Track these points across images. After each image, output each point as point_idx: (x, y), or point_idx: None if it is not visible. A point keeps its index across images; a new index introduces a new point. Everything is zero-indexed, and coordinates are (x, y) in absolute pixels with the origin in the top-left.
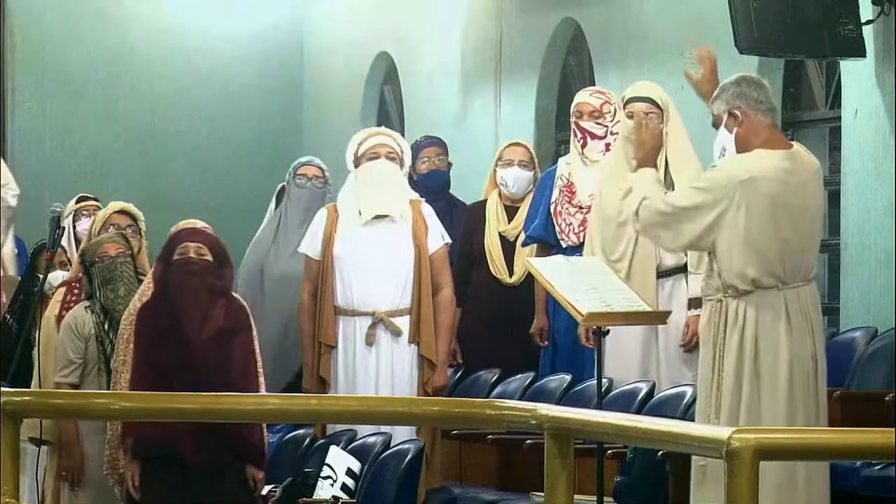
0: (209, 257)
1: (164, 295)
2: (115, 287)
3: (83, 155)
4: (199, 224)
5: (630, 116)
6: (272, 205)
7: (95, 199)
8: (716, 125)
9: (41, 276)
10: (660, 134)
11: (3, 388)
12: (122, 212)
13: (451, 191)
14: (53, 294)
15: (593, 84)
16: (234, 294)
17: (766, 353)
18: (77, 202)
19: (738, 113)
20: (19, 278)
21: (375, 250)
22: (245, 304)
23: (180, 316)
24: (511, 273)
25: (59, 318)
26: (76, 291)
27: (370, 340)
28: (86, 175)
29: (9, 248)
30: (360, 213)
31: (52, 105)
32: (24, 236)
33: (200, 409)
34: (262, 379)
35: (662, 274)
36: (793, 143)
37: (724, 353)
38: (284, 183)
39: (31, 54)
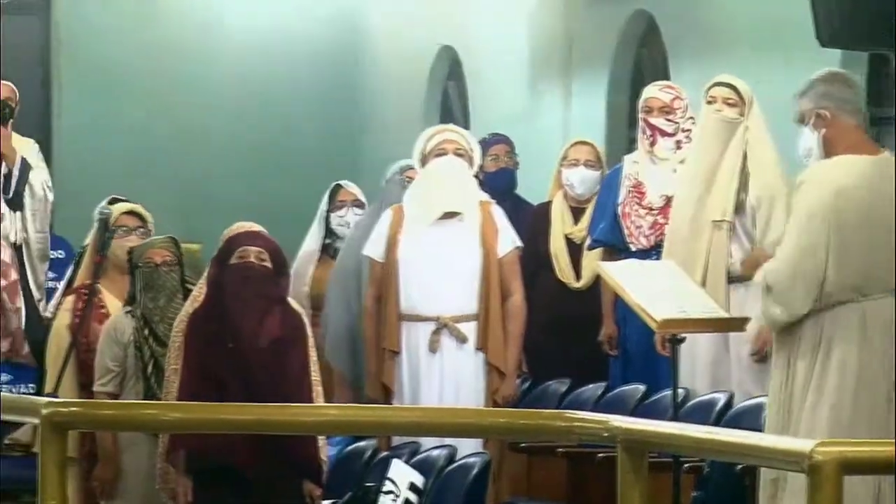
0: (269, 263)
1: (217, 300)
2: (155, 296)
3: (129, 154)
4: (257, 227)
5: (710, 102)
6: (323, 206)
7: (127, 201)
8: (800, 122)
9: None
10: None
11: (49, 399)
12: (130, 213)
13: (517, 192)
14: (62, 302)
15: (668, 79)
16: (291, 302)
17: (840, 366)
18: (109, 203)
19: (826, 114)
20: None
21: (441, 253)
22: (302, 312)
23: (235, 323)
24: (578, 277)
25: (71, 326)
26: (85, 297)
27: (434, 347)
28: (132, 175)
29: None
30: (426, 212)
31: (98, 103)
32: (69, 237)
33: (255, 420)
34: (319, 388)
35: (734, 280)
36: (882, 148)
37: (797, 365)
38: (337, 182)
39: (77, 51)
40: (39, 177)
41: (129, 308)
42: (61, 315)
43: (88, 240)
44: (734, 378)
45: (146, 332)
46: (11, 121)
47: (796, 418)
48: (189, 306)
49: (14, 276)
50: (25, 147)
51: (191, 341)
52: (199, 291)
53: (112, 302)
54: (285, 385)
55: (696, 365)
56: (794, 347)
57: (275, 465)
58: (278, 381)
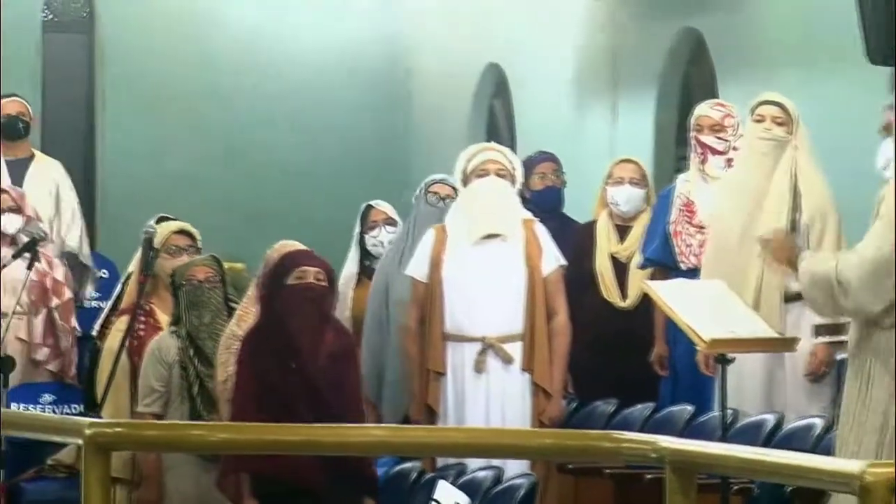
0: (325, 283)
1: (274, 319)
2: (200, 314)
3: (174, 171)
4: (301, 246)
5: (758, 121)
6: (357, 227)
7: (174, 219)
8: (885, 132)
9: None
10: (789, 246)
11: (92, 420)
12: (181, 232)
13: (563, 210)
14: (115, 322)
15: (716, 97)
16: (337, 319)
17: None
18: (157, 222)
19: None
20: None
21: (485, 272)
22: (348, 330)
23: (296, 342)
24: (624, 296)
25: (131, 346)
26: (141, 318)
27: (480, 368)
28: (177, 192)
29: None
30: (469, 233)
31: (142, 122)
32: (114, 257)
33: (301, 441)
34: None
35: (789, 299)
36: None
37: (871, 383)
38: (368, 203)
39: (121, 69)
40: (69, 201)
41: (173, 328)
42: (114, 335)
43: (134, 260)
44: (785, 398)
45: (191, 351)
46: (28, 137)
47: (867, 439)
48: (235, 326)
49: (68, 294)
50: (52, 168)
51: (249, 362)
52: (244, 311)
53: (167, 321)
54: (343, 401)
55: (746, 385)
56: (868, 364)
57: (338, 482)
58: (337, 397)
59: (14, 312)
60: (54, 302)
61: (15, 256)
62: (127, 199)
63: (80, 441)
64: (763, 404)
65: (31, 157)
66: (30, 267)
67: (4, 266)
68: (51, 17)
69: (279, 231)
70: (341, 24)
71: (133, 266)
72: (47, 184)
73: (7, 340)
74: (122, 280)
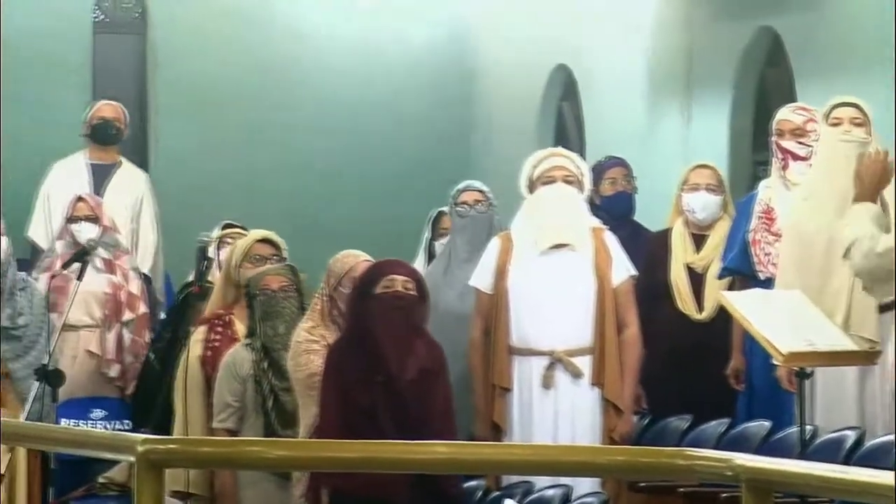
0: (415, 292)
1: (361, 331)
2: (274, 324)
3: (230, 178)
4: (364, 255)
5: (835, 124)
6: (426, 233)
7: (242, 228)
8: None
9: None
10: (883, 165)
11: (145, 436)
12: (264, 240)
13: (634, 217)
14: (194, 332)
15: (794, 100)
16: (429, 332)
17: None
18: (222, 229)
19: None
20: (163, 315)
21: (553, 283)
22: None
23: (384, 355)
24: (700, 308)
25: (203, 358)
26: (219, 329)
27: (548, 383)
28: (233, 200)
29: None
30: (535, 243)
31: (197, 126)
32: (169, 267)
33: (364, 458)
34: None
35: (883, 308)
36: None
37: None
38: (440, 209)
39: (174, 72)
40: (151, 215)
41: (248, 340)
42: (193, 346)
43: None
44: (878, 414)
45: (265, 364)
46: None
47: None
48: (306, 333)
49: (143, 308)
50: (138, 178)
51: (333, 374)
52: (310, 322)
53: (244, 333)
54: (433, 417)
55: (834, 400)
56: None
57: (423, 501)
58: (427, 413)
59: (85, 325)
60: (127, 316)
61: (65, 266)
62: (179, 206)
63: (132, 458)
64: (850, 420)
65: (118, 164)
66: (80, 277)
67: (53, 276)
68: (102, 17)
69: (338, 239)
70: (401, 24)
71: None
72: (131, 193)
73: (77, 352)
74: (177, 291)
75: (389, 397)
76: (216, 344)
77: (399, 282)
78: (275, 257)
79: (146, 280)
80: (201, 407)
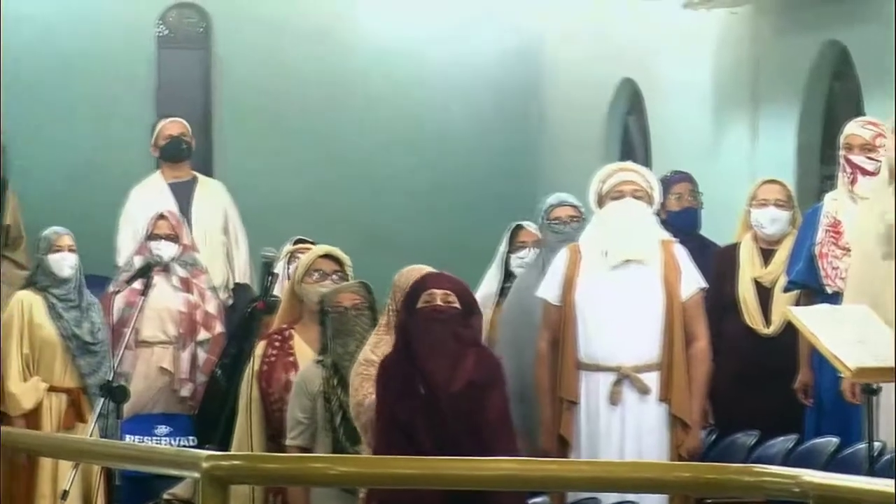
0: (457, 305)
1: (407, 346)
2: (345, 342)
3: (294, 195)
4: (427, 269)
5: None
6: (503, 247)
7: (312, 243)
8: None
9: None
10: None
11: (210, 452)
12: (327, 256)
13: (701, 232)
14: (255, 348)
15: (861, 113)
16: (485, 345)
17: None
18: (294, 244)
19: None
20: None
21: (621, 298)
22: (497, 356)
23: (426, 369)
24: (768, 323)
25: (259, 373)
26: (276, 344)
27: (615, 399)
28: (300, 216)
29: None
30: (605, 256)
31: (262, 141)
32: None
33: (428, 474)
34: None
35: None
36: None
37: None
38: (517, 223)
39: (239, 86)
40: (237, 226)
41: (320, 358)
42: (254, 362)
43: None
44: None
45: (335, 381)
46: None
47: None
48: (370, 352)
49: (219, 328)
50: (218, 191)
51: (382, 390)
52: (379, 336)
53: (303, 350)
54: (483, 432)
55: (894, 415)
56: None
57: None
58: (475, 428)
59: (159, 342)
60: (202, 335)
61: (129, 282)
62: (247, 223)
63: (196, 474)
64: None
65: (194, 179)
66: (144, 293)
67: (117, 292)
68: (165, 32)
69: (405, 254)
70: (469, 40)
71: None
72: (216, 206)
73: (150, 368)
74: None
75: (429, 412)
76: (272, 359)
77: (438, 295)
78: (337, 273)
79: (242, 290)
80: (256, 423)
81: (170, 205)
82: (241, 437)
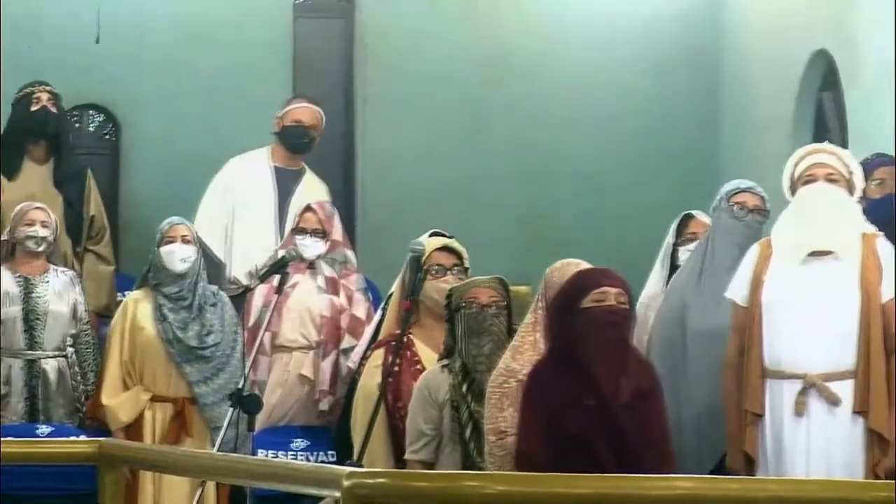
0: (627, 306)
1: (568, 349)
2: (479, 342)
3: (445, 179)
4: (583, 264)
5: None
6: (669, 238)
7: (449, 236)
8: None
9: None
10: None
11: (352, 469)
12: (444, 249)
13: None
14: (370, 356)
15: None
16: (636, 347)
17: None
18: (429, 237)
19: None
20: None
21: (811, 297)
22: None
23: (595, 376)
24: None
25: (382, 385)
26: (395, 351)
27: (800, 410)
28: (447, 203)
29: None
30: (794, 250)
31: (411, 123)
32: (375, 276)
33: (592, 493)
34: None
35: None
36: None
37: None
38: (686, 212)
39: (387, 60)
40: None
41: (445, 362)
42: (369, 372)
43: (397, 280)
44: None
45: (464, 388)
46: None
47: None
48: (511, 359)
49: (368, 333)
50: (320, 191)
51: (536, 400)
52: (521, 340)
53: (427, 355)
54: (650, 446)
55: None
56: None
57: None
58: (643, 441)
59: (299, 347)
60: (347, 342)
61: (262, 279)
62: (390, 210)
63: (336, 494)
64: None
65: (303, 171)
66: (278, 291)
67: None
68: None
69: (563, 248)
70: (641, 6)
71: (395, 288)
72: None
73: (287, 375)
74: (382, 305)
75: (604, 423)
76: (396, 368)
77: (612, 294)
78: (456, 268)
79: None
80: (382, 440)
81: (269, 189)
82: (360, 455)
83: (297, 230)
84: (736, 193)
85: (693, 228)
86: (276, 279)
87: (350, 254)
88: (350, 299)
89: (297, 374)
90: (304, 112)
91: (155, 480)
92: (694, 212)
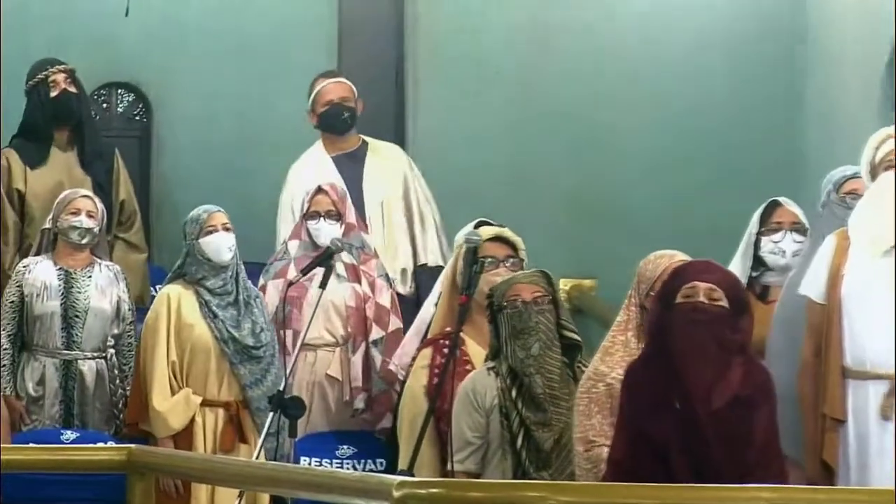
0: (724, 303)
1: (660, 348)
2: (525, 343)
3: (499, 165)
4: (679, 255)
5: None
6: (752, 228)
7: (499, 225)
8: None
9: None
10: None
11: (402, 479)
12: (497, 239)
13: None
14: (417, 357)
15: None
16: (753, 353)
17: None
18: (475, 227)
19: None
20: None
21: (892, 290)
22: (767, 367)
23: (682, 378)
24: None
25: (429, 388)
26: (446, 351)
27: (886, 413)
28: (500, 188)
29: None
30: (873, 242)
31: (463, 99)
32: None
33: None
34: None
35: None
36: None
37: None
38: (772, 199)
39: (440, 33)
40: (422, 198)
41: (491, 364)
42: (417, 373)
43: (445, 273)
44: None
45: (514, 393)
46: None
47: None
48: (599, 361)
49: (396, 324)
50: (396, 157)
51: (627, 401)
52: (611, 341)
53: (478, 353)
54: (747, 456)
55: None
56: None
57: None
58: (738, 450)
59: (324, 344)
60: (376, 334)
61: (304, 272)
62: (441, 195)
63: None
64: None
65: (363, 145)
66: (322, 285)
67: (291, 283)
68: None
69: (643, 239)
70: None
71: (441, 284)
72: (393, 174)
73: (315, 376)
74: (434, 301)
75: (686, 430)
76: (443, 369)
77: (702, 290)
78: (510, 259)
79: (428, 275)
80: (429, 447)
81: (331, 179)
82: (408, 463)
83: (309, 214)
84: (847, 181)
85: (779, 217)
86: (291, 272)
87: (367, 237)
88: (372, 286)
89: (325, 375)
90: (330, 89)
91: (208, 491)
92: (780, 199)
